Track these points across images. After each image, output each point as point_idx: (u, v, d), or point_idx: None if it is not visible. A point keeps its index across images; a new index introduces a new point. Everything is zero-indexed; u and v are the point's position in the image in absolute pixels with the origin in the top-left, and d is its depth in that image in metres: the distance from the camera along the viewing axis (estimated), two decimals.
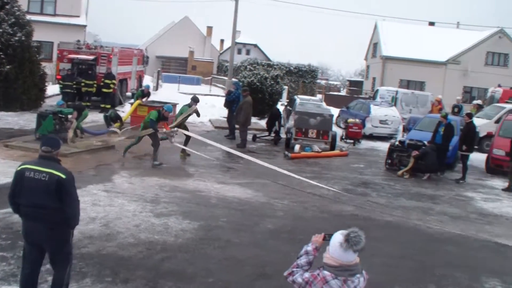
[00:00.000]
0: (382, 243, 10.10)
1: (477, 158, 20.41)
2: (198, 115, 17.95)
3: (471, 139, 17.76)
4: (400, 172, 17.30)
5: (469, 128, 17.74)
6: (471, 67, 48.81)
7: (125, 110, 24.83)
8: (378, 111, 26.05)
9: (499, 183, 17.55)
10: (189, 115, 17.35)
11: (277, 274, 7.52)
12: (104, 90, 25.49)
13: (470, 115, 18.36)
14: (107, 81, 25.34)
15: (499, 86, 31.88)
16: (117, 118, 20.42)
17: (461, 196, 15.32)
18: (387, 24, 53.70)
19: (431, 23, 57.11)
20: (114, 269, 7.68)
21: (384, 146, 21.46)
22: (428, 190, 15.58)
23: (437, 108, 29.47)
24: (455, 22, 59.08)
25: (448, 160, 18.32)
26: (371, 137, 25.46)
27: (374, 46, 55.14)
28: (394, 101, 31.28)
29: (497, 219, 13.15)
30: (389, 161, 18.25)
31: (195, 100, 17.86)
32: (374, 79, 53.48)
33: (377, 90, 36.09)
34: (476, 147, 20.11)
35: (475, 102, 34.85)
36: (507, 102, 27.68)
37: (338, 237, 4.27)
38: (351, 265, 4.21)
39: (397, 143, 18.74)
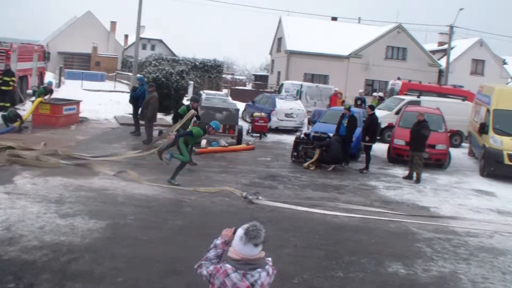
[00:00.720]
0: (290, 234, 10.32)
1: (380, 148, 21.16)
2: (198, 118, 17.04)
3: (374, 130, 18.37)
4: (306, 164, 17.65)
5: (372, 120, 18.34)
6: (372, 60, 50.44)
7: (26, 108, 23.95)
8: (283, 105, 26.45)
9: (400, 171, 18.29)
10: (189, 119, 16.34)
11: (187, 270, 7.52)
12: (3, 88, 24.43)
13: (372, 107, 18.98)
14: (6, 78, 24.30)
15: (399, 78, 33.08)
16: (16, 117, 19.67)
17: (365, 185, 15.84)
18: (291, 19, 54.57)
19: (334, 18, 58.50)
20: (18, 274, 7.40)
21: (290, 139, 21.85)
22: (333, 181, 15.99)
23: (340, 100, 30.32)
24: (356, 17, 60.71)
25: (352, 151, 18.87)
26: (277, 130, 25.84)
27: (279, 41, 55.85)
28: (299, 95, 31.92)
29: (399, 206, 13.70)
30: (295, 153, 18.58)
31: (194, 100, 17.27)
32: (279, 73, 54.20)
33: (282, 84, 36.63)
34: (378, 137, 20.79)
35: (375, 94, 36.06)
36: (406, 94, 28.80)
37: (239, 231, 4.33)
38: (252, 259, 4.27)
39: (302, 135, 19.10)
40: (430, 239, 10.96)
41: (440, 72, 51.67)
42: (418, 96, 27.13)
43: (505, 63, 57.52)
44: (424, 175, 17.39)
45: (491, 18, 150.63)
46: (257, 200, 12.56)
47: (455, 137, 26.52)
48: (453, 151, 21.42)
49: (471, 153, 23.69)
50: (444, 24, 67.74)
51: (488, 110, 20.35)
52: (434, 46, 60.13)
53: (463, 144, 26.65)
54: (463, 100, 28.04)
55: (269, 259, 4.52)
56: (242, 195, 12.67)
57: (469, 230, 11.97)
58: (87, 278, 7.49)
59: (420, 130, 17.01)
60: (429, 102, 24.87)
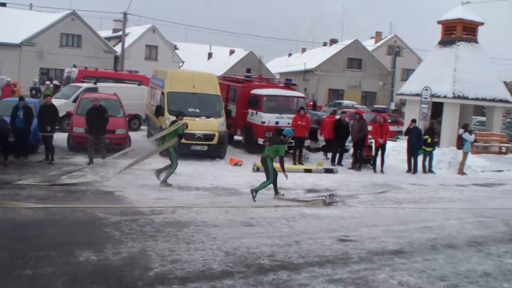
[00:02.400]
0: None
1: (60, 138, 20.73)
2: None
3: (53, 119, 18.17)
4: None
5: (50, 108, 18.08)
6: (46, 48, 48.98)
7: None
8: None
9: (82, 159, 18.34)
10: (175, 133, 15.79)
11: None
12: None
13: (48, 96, 18.75)
14: None
15: (75, 66, 32.75)
16: None
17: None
18: None
19: (3, 4, 55.05)
20: None
21: None
22: (13, 176, 15.20)
23: (18, 91, 29.03)
24: (28, 3, 58.08)
25: (30, 142, 18.22)
26: None
27: None
28: None
29: (84, 194, 13.75)
30: None
31: (182, 114, 16.35)
32: None
33: None
34: (57, 127, 20.43)
35: (47, 82, 35.16)
36: (83, 81, 28.67)
37: None
38: None
39: None
40: (118, 223, 11.14)
41: (116, 58, 52.50)
42: (95, 83, 27.21)
43: (176, 49, 61.04)
44: (106, 160, 17.68)
45: (163, 5, 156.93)
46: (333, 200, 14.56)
47: (134, 121, 27.46)
48: (132, 134, 22.07)
49: (150, 135, 24.63)
50: (118, 11, 68.53)
51: (163, 93, 21.36)
52: (109, 33, 60.77)
53: (142, 127, 27.62)
54: (139, 84, 29.11)
55: None
56: (325, 201, 14.36)
57: (153, 208, 12.50)
58: None
59: (102, 114, 17.74)
60: (106, 88, 25.21)
